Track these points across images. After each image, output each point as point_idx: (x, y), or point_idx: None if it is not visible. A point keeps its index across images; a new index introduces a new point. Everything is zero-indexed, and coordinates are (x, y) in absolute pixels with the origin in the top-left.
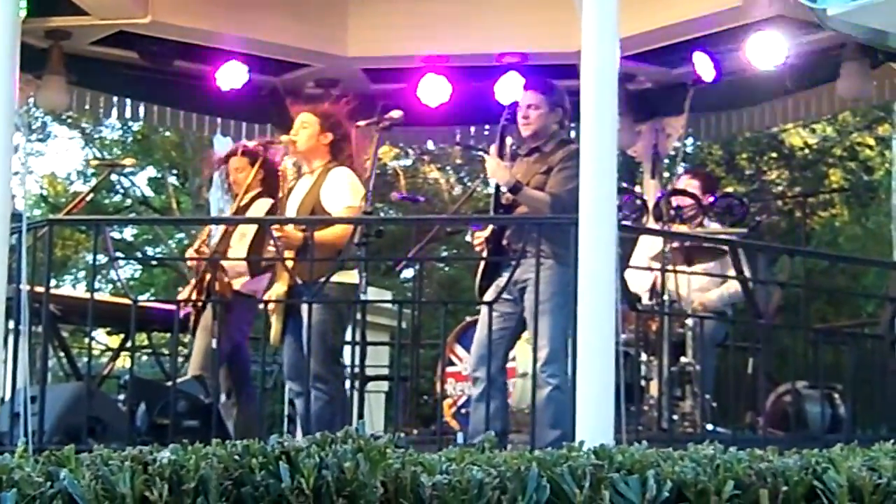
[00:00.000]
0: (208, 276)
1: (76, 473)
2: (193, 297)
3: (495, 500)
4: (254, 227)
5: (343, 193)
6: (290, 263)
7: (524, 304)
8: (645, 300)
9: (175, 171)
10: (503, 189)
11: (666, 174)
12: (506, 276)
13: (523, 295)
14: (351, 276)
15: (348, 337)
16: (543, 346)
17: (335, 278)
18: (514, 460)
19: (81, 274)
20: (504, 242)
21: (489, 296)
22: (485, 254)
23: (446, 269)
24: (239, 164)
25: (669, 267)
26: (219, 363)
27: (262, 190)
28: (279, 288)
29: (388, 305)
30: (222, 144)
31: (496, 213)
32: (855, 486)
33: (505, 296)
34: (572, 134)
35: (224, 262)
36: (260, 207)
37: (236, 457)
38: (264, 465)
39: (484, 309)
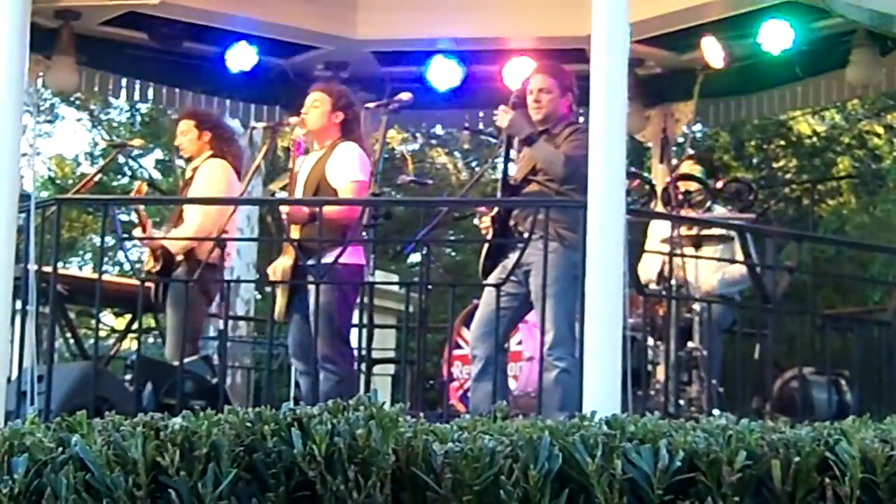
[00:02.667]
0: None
1: (88, 439)
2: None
3: (507, 468)
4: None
5: (350, 168)
6: (295, 242)
7: (529, 286)
8: (652, 285)
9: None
10: (518, 137)
11: (674, 160)
12: (512, 257)
13: (528, 277)
14: (356, 256)
15: (355, 319)
16: (550, 330)
17: (341, 259)
18: (526, 429)
19: (88, 256)
20: (511, 223)
21: (494, 277)
22: (490, 234)
23: (453, 254)
24: (185, 126)
25: (677, 251)
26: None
27: (214, 153)
28: (284, 262)
29: (396, 289)
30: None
31: (503, 195)
32: (867, 457)
33: (511, 278)
34: (580, 119)
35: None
36: (211, 167)
37: (248, 423)
38: (276, 431)
39: (487, 289)
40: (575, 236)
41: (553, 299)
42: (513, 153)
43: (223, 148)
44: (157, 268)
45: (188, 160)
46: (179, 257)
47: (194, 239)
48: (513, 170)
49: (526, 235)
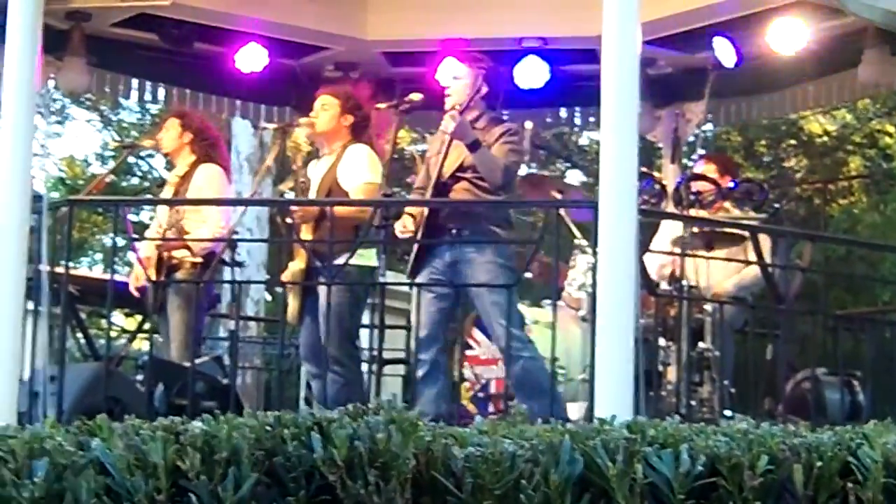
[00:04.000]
0: (167, 254)
1: (108, 443)
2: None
3: (528, 472)
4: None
5: (361, 169)
6: (307, 245)
7: (460, 282)
8: (664, 285)
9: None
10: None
11: (685, 160)
12: (441, 256)
13: (458, 275)
14: (369, 259)
15: (366, 320)
16: (500, 324)
17: (353, 260)
18: (546, 433)
19: (98, 256)
20: (439, 221)
21: (423, 278)
22: (420, 234)
23: None
24: (170, 124)
25: (689, 252)
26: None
27: (198, 157)
28: (297, 265)
29: (406, 289)
30: (241, 127)
31: (434, 193)
32: (890, 461)
33: (438, 277)
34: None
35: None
36: (209, 173)
37: (268, 427)
38: (296, 435)
39: (420, 292)
40: (505, 232)
41: (495, 293)
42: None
43: (207, 153)
44: (162, 277)
45: (166, 156)
46: (177, 261)
47: (213, 240)
48: (434, 162)
49: (454, 231)
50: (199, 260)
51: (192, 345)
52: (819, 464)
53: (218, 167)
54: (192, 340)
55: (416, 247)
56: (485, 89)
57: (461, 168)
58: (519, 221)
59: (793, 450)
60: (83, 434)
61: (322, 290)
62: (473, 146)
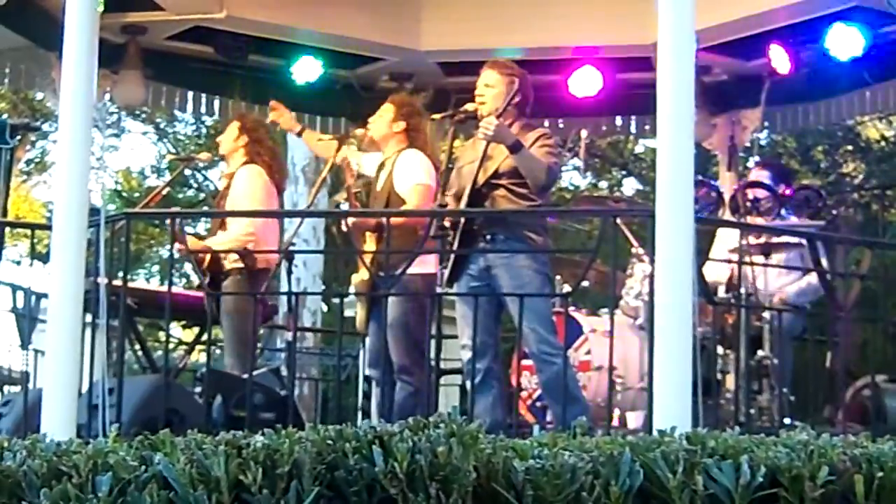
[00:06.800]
0: (207, 260)
1: (171, 457)
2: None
3: (588, 484)
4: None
5: (414, 172)
6: (369, 258)
7: (496, 288)
8: (721, 293)
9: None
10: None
11: (742, 167)
12: (476, 263)
13: (496, 280)
14: (430, 266)
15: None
16: (532, 331)
17: (415, 269)
18: (606, 445)
19: (155, 268)
20: (475, 227)
21: (463, 286)
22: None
23: None
24: (230, 126)
25: (747, 259)
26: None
27: (248, 159)
28: (361, 275)
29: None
30: (296, 138)
31: (470, 200)
32: None
33: (477, 283)
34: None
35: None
36: (246, 173)
37: (329, 441)
38: (357, 449)
39: (463, 302)
40: (541, 238)
41: (528, 301)
42: (470, 155)
43: (258, 152)
44: (207, 280)
45: (222, 158)
46: (228, 266)
47: (264, 252)
48: (468, 170)
49: (488, 237)
50: (241, 266)
51: (249, 357)
52: (880, 474)
53: (257, 167)
54: (249, 352)
55: (451, 256)
56: (518, 97)
57: (496, 175)
58: (574, 230)
59: (853, 460)
60: (146, 448)
61: (387, 301)
62: (515, 147)
